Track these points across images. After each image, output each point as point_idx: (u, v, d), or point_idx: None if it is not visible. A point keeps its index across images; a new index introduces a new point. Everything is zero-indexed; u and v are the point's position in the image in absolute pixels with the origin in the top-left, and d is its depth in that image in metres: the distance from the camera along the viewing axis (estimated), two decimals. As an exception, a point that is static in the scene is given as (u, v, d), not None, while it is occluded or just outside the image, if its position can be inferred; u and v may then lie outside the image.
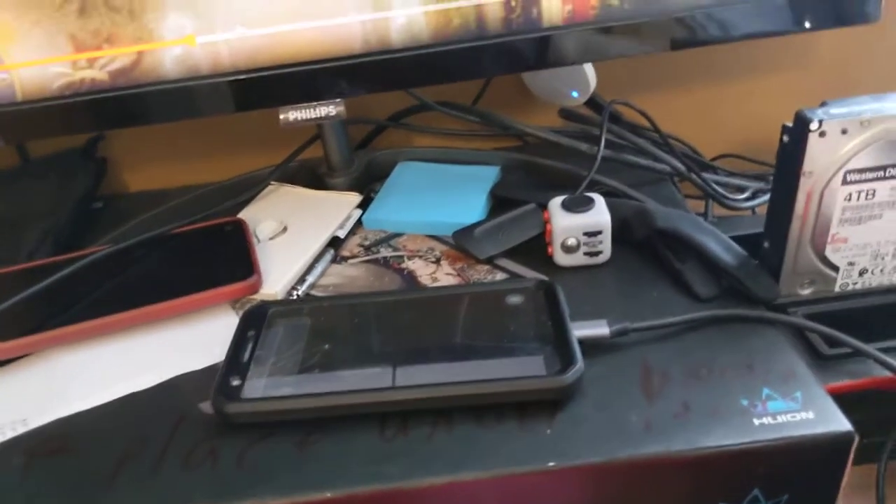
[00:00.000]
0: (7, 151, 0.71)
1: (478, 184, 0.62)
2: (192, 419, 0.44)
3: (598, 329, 0.45)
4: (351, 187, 0.64)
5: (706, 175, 0.59)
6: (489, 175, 0.63)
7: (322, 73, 0.50)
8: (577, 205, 0.52)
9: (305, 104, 0.51)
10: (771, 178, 0.65)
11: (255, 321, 0.49)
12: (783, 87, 0.72)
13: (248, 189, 0.63)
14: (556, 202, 0.53)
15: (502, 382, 0.42)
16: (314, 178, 0.65)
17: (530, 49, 0.51)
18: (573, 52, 0.51)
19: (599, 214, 0.52)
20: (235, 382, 0.44)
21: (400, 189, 0.63)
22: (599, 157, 0.58)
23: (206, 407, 0.45)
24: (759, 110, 0.72)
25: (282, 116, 0.52)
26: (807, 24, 0.53)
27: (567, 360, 0.42)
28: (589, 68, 0.63)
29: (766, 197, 0.60)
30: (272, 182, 0.64)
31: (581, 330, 0.45)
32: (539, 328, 0.46)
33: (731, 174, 0.64)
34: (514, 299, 0.48)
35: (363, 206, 0.62)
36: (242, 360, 0.46)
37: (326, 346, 0.46)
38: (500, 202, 0.61)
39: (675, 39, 0.52)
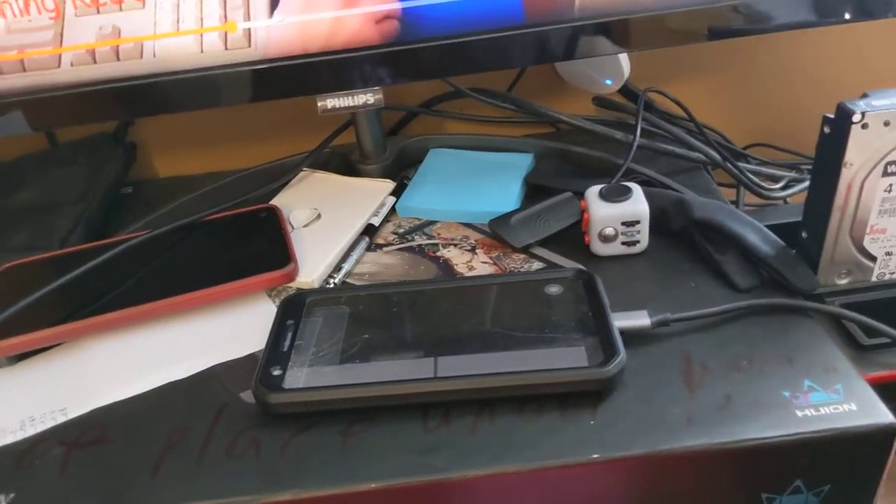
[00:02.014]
0: (35, 136, 0.71)
1: (511, 172, 0.62)
2: (234, 409, 0.45)
3: (639, 320, 0.45)
4: (384, 174, 0.64)
5: (740, 164, 0.58)
6: (523, 163, 0.63)
7: (360, 60, 0.50)
8: (615, 194, 0.52)
9: (343, 92, 0.51)
10: (803, 167, 0.65)
11: (294, 310, 0.49)
12: (814, 77, 0.71)
13: (281, 176, 0.63)
14: (593, 191, 0.53)
15: (545, 373, 0.42)
16: (347, 164, 0.65)
17: (564, 39, 0.50)
18: (608, 44, 0.51)
19: (637, 204, 0.52)
20: (276, 372, 0.44)
21: (433, 176, 0.63)
22: (635, 146, 0.57)
23: (247, 396, 0.45)
24: (790, 100, 0.72)
25: (319, 104, 0.52)
26: (846, 16, 0.52)
27: (609, 351, 0.42)
28: (623, 57, 0.63)
29: (800, 186, 0.60)
30: (304, 168, 0.64)
31: (622, 321, 0.45)
32: (580, 318, 0.46)
33: (764, 163, 0.63)
34: (554, 289, 0.48)
35: (396, 193, 0.62)
36: (282, 349, 0.46)
37: (366, 336, 0.47)
38: (534, 190, 0.61)
39: (711, 30, 0.52)
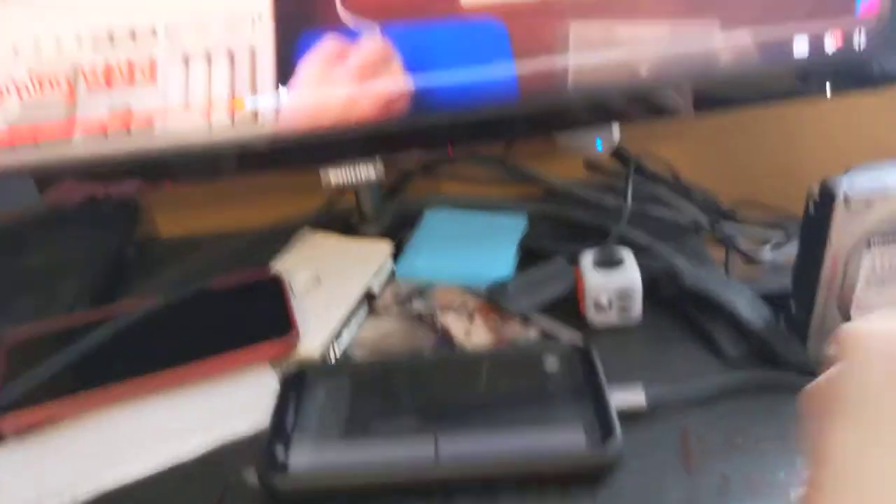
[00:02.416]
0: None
1: (506, 234, 0.64)
2: (238, 490, 0.45)
3: (635, 396, 0.47)
4: (382, 234, 0.65)
5: (727, 225, 0.60)
6: (517, 225, 0.65)
7: (368, 135, 0.51)
8: (608, 263, 0.53)
9: (348, 166, 0.53)
10: (789, 226, 0.66)
11: (295, 385, 0.50)
12: (804, 135, 0.73)
13: (281, 237, 0.64)
14: (587, 259, 0.54)
15: (544, 458, 0.43)
16: (346, 225, 0.66)
17: (557, 114, 0.52)
18: (600, 117, 0.53)
19: (630, 273, 0.53)
20: (281, 453, 0.45)
21: (430, 239, 0.64)
22: (626, 213, 0.59)
23: (250, 475, 0.46)
24: (779, 157, 0.73)
25: (324, 178, 0.53)
26: (827, 90, 0.54)
27: (607, 432, 0.44)
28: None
29: (788, 247, 0.62)
30: (306, 229, 0.65)
31: (619, 398, 0.46)
32: (577, 395, 0.47)
33: (751, 222, 0.64)
34: (551, 363, 0.50)
35: (395, 254, 0.63)
36: (285, 427, 0.47)
37: (369, 413, 0.48)
38: (529, 252, 0.62)
39: (703, 102, 0.53)
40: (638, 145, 0.66)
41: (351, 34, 0.49)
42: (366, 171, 0.53)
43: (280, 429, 0.47)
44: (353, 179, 0.53)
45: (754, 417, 0.46)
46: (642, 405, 0.46)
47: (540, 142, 0.71)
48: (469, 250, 0.62)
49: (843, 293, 0.49)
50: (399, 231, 0.66)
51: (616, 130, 0.64)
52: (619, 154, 0.66)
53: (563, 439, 0.44)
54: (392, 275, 0.62)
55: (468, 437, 0.45)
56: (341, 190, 0.65)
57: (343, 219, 0.67)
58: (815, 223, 0.48)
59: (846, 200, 0.46)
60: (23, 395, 0.50)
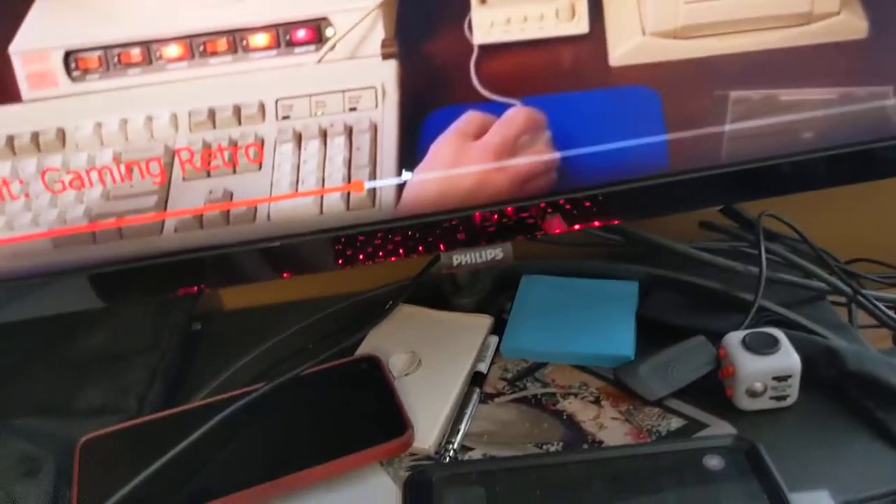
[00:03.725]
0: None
1: (619, 303, 0.58)
2: None
3: (820, 503, 0.41)
4: (478, 307, 0.60)
5: (868, 293, 0.55)
6: (628, 292, 0.59)
7: (500, 217, 0.46)
8: (762, 345, 0.48)
9: (472, 248, 0.47)
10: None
11: (422, 491, 0.44)
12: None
13: (367, 311, 0.58)
14: (734, 340, 0.49)
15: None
16: (437, 296, 0.61)
17: (710, 186, 0.47)
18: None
19: (788, 357, 0.48)
20: (424, 580, 0.39)
21: (535, 310, 0.59)
22: (763, 281, 0.53)
23: None
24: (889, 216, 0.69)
25: (444, 261, 0.47)
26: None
27: (804, 551, 0.38)
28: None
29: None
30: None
31: (802, 504, 0.41)
32: (753, 501, 0.41)
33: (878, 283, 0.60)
34: (714, 462, 0.44)
35: (496, 329, 0.58)
36: (422, 544, 0.41)
37: (515, 528, 0.42)
38: (646, 324, 0.56)
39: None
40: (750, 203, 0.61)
41: (492, 108, 0.44)
42: (492, 253, 0.47)
43: (417, 549, 0.41)
44: (477, 261, 0.47)
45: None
46: (831, 515, 0.41)
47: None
48: (581, 324, 0.57)
49: None
50: (494, 300, 0.61)
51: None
52: (730, 212, 0.61)
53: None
54: (496, 353, 0.56)
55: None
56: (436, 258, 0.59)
57: (432, 288, 0.61)
58: None
59: None
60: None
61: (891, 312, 0.55)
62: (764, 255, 0.54)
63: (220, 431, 0.49)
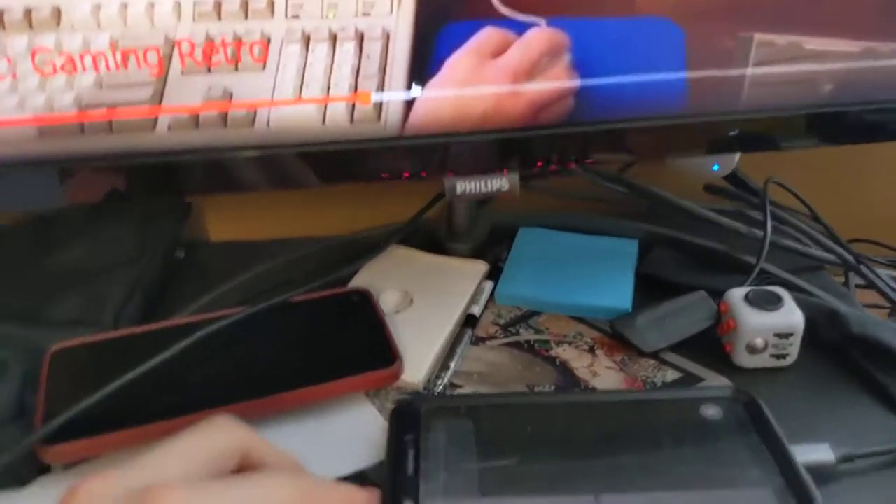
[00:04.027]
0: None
1: (619, 260, 0.57)
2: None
3: (821, 454, 0.40)
4: (473, 253, 0.58)
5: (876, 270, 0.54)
6: (628, 250, 0.58)
7: (513, 142, 0.44)
8: (765, 301, 0.47)
9: (478, 176, 0.45)
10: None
11: (410, 422, 0.42)
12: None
13: (361, 248, 0.56)
14: (737, 295, 0.48)
15: (738, 526, 0.36)
16: (432, 240, 0.59)
17: (725, 133, 0.46)
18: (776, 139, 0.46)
19: (792, 315, 0.46)
20: (410, 507, 0.37)
21: (532, 260, 0.57)
22: (767, 244, 0.52)
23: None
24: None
25: (448, 186, 0.45)
26: None
27: (805, 497, 0.37)
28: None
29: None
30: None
31: (802, 455, 0.39)
32: (753, 452, 0.40)
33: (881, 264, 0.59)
34: (711, 412, 0.43)
35: (491, 276, 0.56)
36: (407, 473, 0.39)
37: (506, 461, 0.40)
38: (645, 282, 0.55)
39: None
40: (756, 170, 0.60)
41: (512, 26, 0.42)
42: (498, 183, 0.45)
43: (401, 473, 0.39)
44: (482, 190, 0.45)
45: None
46: (829, 463, 0.40)
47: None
48: (579, 276, 0.55)
49: None
50: (489, 250, 0.59)
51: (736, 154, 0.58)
52: (735, 179, 0.60)
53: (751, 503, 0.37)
54: (490, 299, 0.55)
55: (635, 498, 0.38)
56: (434, 199, 0.57)
57: (427, 233, 0.59)
58: None
59: None
60: (73, 422, 0.41)
61: (892, 283, 0.54)
62: (769, 218, 0.53)
63: (200, 350, 0.46)
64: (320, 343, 0.48)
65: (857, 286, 0.61)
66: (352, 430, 0.45)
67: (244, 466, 0.34)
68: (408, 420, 0.43)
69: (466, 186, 0.45)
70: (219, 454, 0.33)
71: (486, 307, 0.54)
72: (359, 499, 0.36)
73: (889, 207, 0.68)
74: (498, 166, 0.45)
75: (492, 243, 0.60)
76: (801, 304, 0.47)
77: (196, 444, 0.33)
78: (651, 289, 0.54)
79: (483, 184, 0.45)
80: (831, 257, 0.54)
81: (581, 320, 0.53)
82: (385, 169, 0.45)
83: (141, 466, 0.31)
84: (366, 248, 0.57)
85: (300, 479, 0.35)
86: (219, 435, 0.34)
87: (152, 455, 0.32)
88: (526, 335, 0.52)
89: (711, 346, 0.49)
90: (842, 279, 0.59)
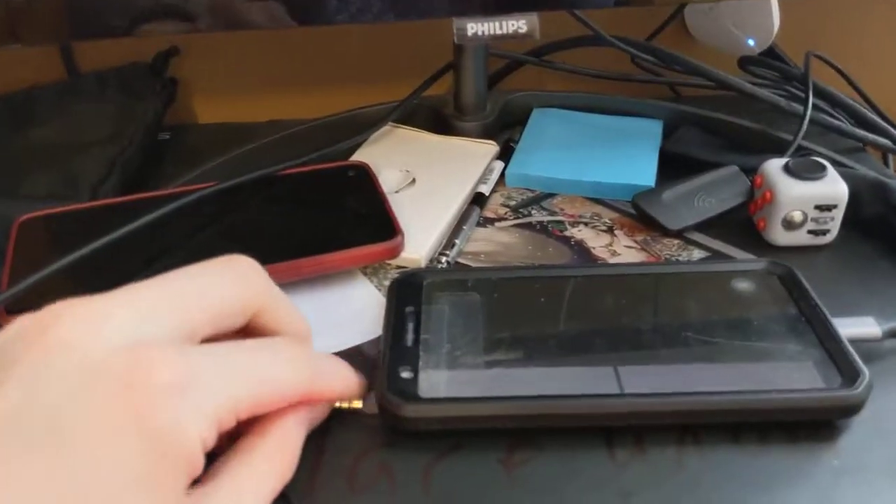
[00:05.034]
0: (50, 65, 0.58)
1: (642, 139, 0.52)
2: (347, 422, 0.34)
3: (866, 328, 0.36)
4: (484, 133, 0.53)
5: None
6: (651, 130, 0.53)
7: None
8: (806, 171, 0.42)
9: (491, 17, 0.40)
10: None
11: (411, 294, 0.38)
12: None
13: (358, 130, 0.51)
14: (774, 165, 0.43)
15: (775, 397, 0.32)
16: (438, 120, 0.54)
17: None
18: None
19: (835, 184, 0.42)
20: (407, 375, 0.34)
21: (546, 140, 0.53)
22: (807, 118, 0.47)
23: (365, 405, 0.34)
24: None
25: (458, 29, 0.40)
26: None
27: (849, 370, 0.33)
28: (774, 7, 0.53)
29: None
30: (389, 123, 0.53)
31: (847, 328, 0.35)
32: (791, 324, 0.36)
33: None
34: (744, 285, 0.38)
35: (502, 157, 0.51)
36: (406, 344, 0.35)
37: (514, 333, 0.36)
38: (671, 163, 0.50)
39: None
40: (794, 47, 0.54)
41: None
42: (515, 24, 0.40)
43: (400, 344, 0.35)
44: (497, 32, 0.40)
45: None
46: (876, 336, 0.36)
47: (677, 39, 0.59)
48: (598, 156, 0.51)
49: None
50: (503, 131, 0.54)
51: (776, 20, 0.53)
52: (772, 53, 0.54)
53: (792, 376, 0.33)
54: (500, 180, 0.50)
55: (659, 369, 0.34)
56: (439, 72, 0.52)
57: (435, 110, 0.55)
58: None
59: None
60: (34, 293, 0.37)
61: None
62: (811, 91, 0.48)
63: (183, 223, 0.43)
64: (315, 217, 0.44)
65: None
66: (348, 307, 0.41)
67: (251, 327, 0.30)
68: (409, 292, 0.39)
69: (479, 28, 0.40)
70: (229, 307, 0.28)
71: (495, 190, 0.50)
72: (355, 385, 0.33)
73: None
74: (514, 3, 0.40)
75: (504, 125, 0.55)
76: (844, 176, 0.43)
77: (205, 287, 0.28)
78: (678, 168, 0.49)
79: (498, 25, 0.40)
80: (874, 137, 0.49)
81: (598, 201, 0.49)
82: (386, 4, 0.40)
83: (134, 308, 0.26)
84: (365, 127, 0.52)
85: (311, 357, 0.31)
86: (233, 284, 0.29)
87: (149, 290, 0.27)
88: (538, 216, 0.48)
89: (743, 226, 0.45)
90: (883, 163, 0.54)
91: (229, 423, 0.26)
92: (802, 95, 0.50)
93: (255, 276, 0.30)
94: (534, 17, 0.40)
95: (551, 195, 0.49)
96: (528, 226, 0.47)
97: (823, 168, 0.42)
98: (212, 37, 0.54)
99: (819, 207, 0.42)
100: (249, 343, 0.29)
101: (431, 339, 0.36)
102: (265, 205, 0.45)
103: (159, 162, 0.55)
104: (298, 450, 0.30)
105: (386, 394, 0.33)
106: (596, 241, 0.45)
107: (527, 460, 0.32)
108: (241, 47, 0.59)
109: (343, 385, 0.32)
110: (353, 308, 0.41)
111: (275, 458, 0.28)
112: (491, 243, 0.46)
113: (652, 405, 0.32)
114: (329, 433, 0.33)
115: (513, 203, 0.49)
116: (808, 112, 0.47)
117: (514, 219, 0.48)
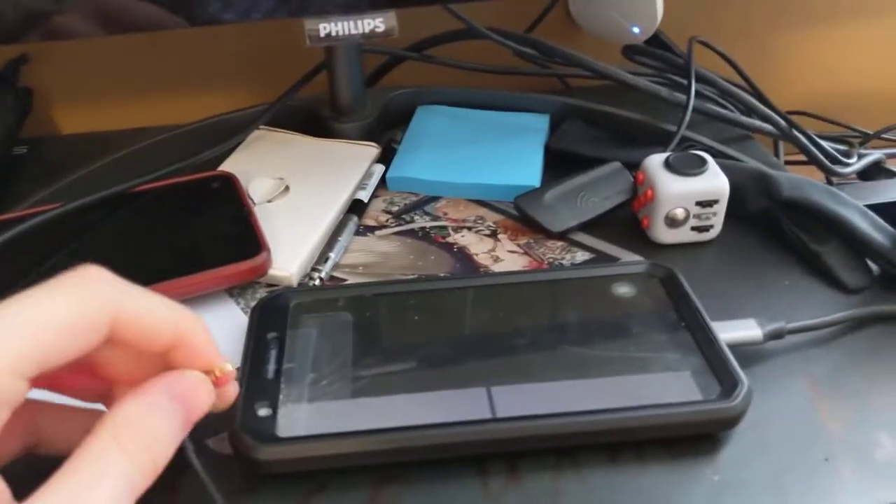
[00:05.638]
0: None
1: (527, 136, 0.50)
2: (202, 465, 0.31)
3: (747, 331, 0.35)
4: (364, 135, 0.50)
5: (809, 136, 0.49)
6: (537, 125, 0.51)
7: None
8: (686, 165, 0.41)
9: (345, 16, 0.37)
10: (851, 139, 0.56)
11: (275, 317, 0.36)
12: (867, 36, 0.62)
13: (226, 136, 0.48)
14: (655, 161, 0.42)
15: (651, 413, 0.31)
16: (314, 121, 0.51)
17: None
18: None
19: (715, 178, 0.41)
20: (264, 412, 0.31)
21: (429, 140, 0.50)
22: (690, 108, 0.46)
23: (219, 445, 0.31)
24: (832, 61, 0.62)
25: (308, 29, 0.37)
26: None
27: (727, 379, 0.31)
28: (658, -5, 0.51)
29: (864, 162, 0.51)
30: (261, 126, 0.50)
31: (727, 332, 0.34)
32: (670, 331, 0.34)
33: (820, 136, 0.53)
34: (624, 290, 0.37)
35: (383, 159, 0.49)
36: (266, 376, 0.33)
37: (385, 357, 0.34)
38: (557, 159, 0.49)
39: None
40: (681, 35, 0.53)
41: None
42: (371, 23, 0.37)
43: (259, 377, 0.32)
44: (352, 32, 0.37)
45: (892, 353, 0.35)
46: (757, 339, 0.34)
47: (561, 26, 0.57)
48: (481, 155, 0.49)
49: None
50: (385, 132, 0.52)
51: (660, 8, 0.51)
52: (657, 41, 0.53)
53: (669, 388, 0.32)
54: (381, 185, 0.48)
55: (532, 388, 0.32)
56: (311, 72, 0.49)
57: (309, 112, 0.52)
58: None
59: None
60: None
61: (828, 147, 0.49)
62: (693, 77, 0.47)
63: (34, 248, 0.39)
64: (174, 237, 0.41)
65: (788, 163, 0.56)
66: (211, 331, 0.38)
67: (113, 338, 0.26)
68: (272, 316, 0.36)
69: (332, 29, 0.37)
70: (79, 328, 0.25)
71: (376, 194, 0.47)
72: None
73: (827, 81, 0.63)
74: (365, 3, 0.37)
75: (387, 124, 0.52)
76: (727, 170, 0.42)
77: (33, 314, 0.24)
78: (564, 166, 0.47)
79: (353, 25, 0.37)
80: (761, 124, 0.48)
81: (483, 203, 0.47)
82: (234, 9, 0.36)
83: None
84: (237, 132, 0.49)
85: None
86: (70, 301, 0.25)
87: None
88: (421, 222, 0.45)
89: (627, 224, 0.43)
90: (772, 150, 0.54)
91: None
92: (686, 84, 0.49)
93: (100, 285, 0.26)
94: (391, 15, 0.37)
95: (435, 199, 0.47)
96: (411, 233, 0.44)
97: (704, 162, 0.41)
98: (68, 41, 0.49)
99: (700, 203, 0.41)
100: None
101: (295, 368, 0.33)
102: (121, 224, 0.42)
103: (15, 179, 0.51)
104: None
105: (242, 436, 0.30)
106: (479, 247, 0.43)
107: (395, 496, 0.30)
108: (103, 51, 0.54)
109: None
110: (217, 333, 0.38)
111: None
112: (370, 254, 0.43)
113: (524, 430, 0.30)
114: (182, 480, 0.30)
115: (395, 209, 0.46)
116: (691, 102, 0.46)
117: (396, 225, 0.45)
